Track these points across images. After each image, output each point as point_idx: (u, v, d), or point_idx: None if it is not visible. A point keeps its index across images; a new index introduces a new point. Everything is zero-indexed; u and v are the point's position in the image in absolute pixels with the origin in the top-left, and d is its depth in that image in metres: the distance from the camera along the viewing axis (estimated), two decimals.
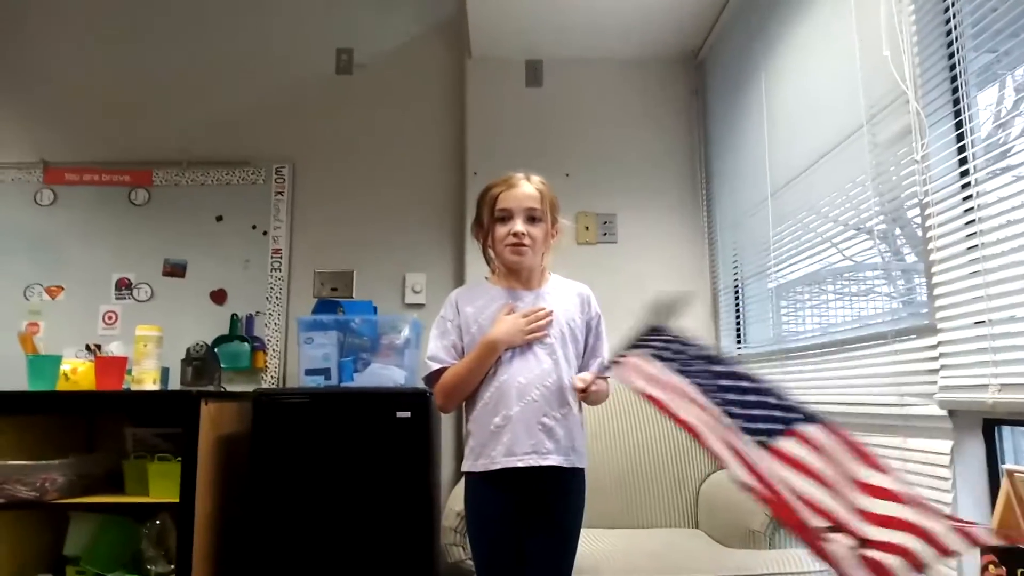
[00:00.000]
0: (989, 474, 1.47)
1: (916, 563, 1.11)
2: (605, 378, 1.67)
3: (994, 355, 1.37)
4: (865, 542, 1.12)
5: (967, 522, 1.05)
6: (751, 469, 1.19)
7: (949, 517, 1.05)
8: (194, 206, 3.08)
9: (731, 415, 1.24)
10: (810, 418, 1.17)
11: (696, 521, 2.46)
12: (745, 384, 1.27)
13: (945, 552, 1.07)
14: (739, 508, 2.13)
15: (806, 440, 1.16)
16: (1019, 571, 1.14)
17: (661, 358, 1.41)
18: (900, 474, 1.12)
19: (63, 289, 3.05)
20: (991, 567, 1.18)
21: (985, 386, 1.37)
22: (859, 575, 1.13)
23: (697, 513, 2.47)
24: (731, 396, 1.27)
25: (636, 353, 1.46)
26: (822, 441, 1.15)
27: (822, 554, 1.15)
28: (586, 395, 1.59)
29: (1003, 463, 1.42)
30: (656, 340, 1.45)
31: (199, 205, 3.08)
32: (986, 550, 1.19)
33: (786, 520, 1.17)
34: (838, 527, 1.13)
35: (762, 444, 1.19)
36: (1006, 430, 1.48)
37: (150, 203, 3.10)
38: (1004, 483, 1.20)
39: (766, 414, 1.21)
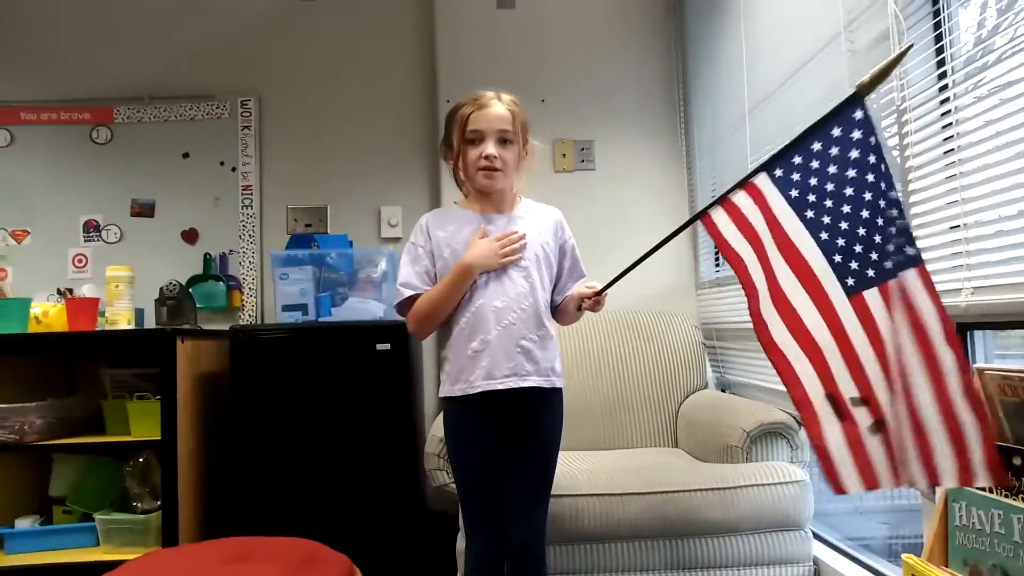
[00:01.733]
0: None
1: (897, 475, 1.14)
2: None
3: (968, 259, 1.37)
4: (881, 425, 1.15)
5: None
6: (797, 329, 1.21)
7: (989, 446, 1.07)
8: (159, 143, 2.99)
9: (841, 247, 1.21)
10: (914, 260, 1.15)
11: (676, 440, 2.51)
12: (882, 204, 1.20)
13: (934, 481, 1.12)
14: (717, 426, 2.17)
15: (892, 299, 1.17)
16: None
17: (804, 171, 1.27)
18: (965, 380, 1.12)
19: (28, 233, 2.97)
20: None
21: (959, 290, 1.38)
22: (844, 467, 1.16)
23: (676, 432, 2.51)
24: (853, 227, 1.21)
25: (766, 179, 1.30)
26: (902, 297, 1.15)
27: (816, 436, 1.18)
28: (597, 300, 1.59)
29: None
30: (835, 142, 1.27)
31: (164, 142, 2.99)
32: None
33: (795, 394, 1.21)
34: (868, 400, 1.16)
35: (849, 290, 1.19)
36: (978, 335, 1.50)
37: (113, 141, 3.00)
38: (975, 382, 1.21)
39: (877, 256, 1.19)
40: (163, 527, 2.14)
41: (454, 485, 1.74)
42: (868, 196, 1.20)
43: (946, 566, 1.22)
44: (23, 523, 2.28)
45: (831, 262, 1.22)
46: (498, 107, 1.66)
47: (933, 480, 1.12)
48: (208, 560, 1.58)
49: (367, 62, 3.08)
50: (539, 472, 1.67)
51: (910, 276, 1.15)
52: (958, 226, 1.40)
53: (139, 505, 2.23)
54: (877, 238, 1.19)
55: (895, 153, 1.60)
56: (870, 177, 1.20)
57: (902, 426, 1.14)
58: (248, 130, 3.00)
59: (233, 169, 2.99)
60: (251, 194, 2.99)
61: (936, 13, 1.50)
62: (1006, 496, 1.13)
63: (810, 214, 1.24)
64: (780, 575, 1.87)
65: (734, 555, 1.87)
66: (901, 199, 1.22)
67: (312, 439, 2.30)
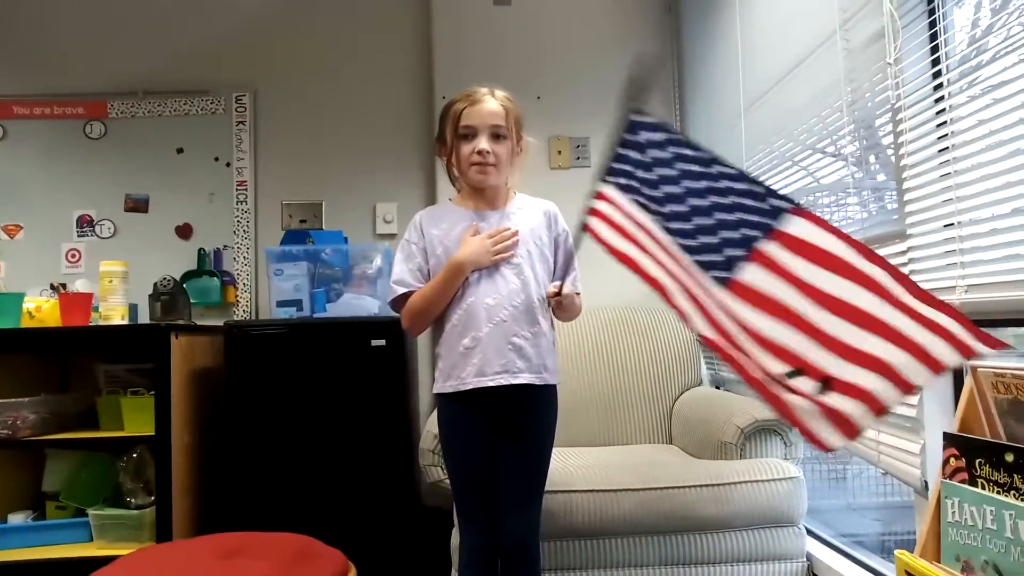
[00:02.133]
0: (954, 376, 1.50)
1: (877, 408, 1.08)
2: (577, 293, 1.67)
3: (962, 256, 1.37)
4: (828, 382, 1.11)
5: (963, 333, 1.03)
6: (713, 322, 1.18)
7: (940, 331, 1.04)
8: (153, 138, 2.98)
9: (697, 247, 1.21)
10: (793, 210, 1.13)
11: (670, 437, 2.51)
12: (723, 185, 1.21)
13: (908, 389, 1.07)
14: (711, 423, 2.17)
15: (771, 261, 1.15)
16: (977, 462, 1.17)
17: (634, 178, 1.33)
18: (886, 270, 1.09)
19: (21, 228, 2.95)
20: (952, 460, 1.21)
21: (953, 288, 1.38)
22: (819, 425, 1.12)
23: (671, 429, 2.52)
24: (701, 219, 1.22)
25: (609, 187, 1.37)
26: (799, 244, 1.13)
27: (782, 409, 1.14)
28: (559, 300, 1.58)
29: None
30: (633, 145, 1.36)
31: (158, 137, 2.98)
32: (948, 443, 1.22)
33: (744, 377, 1.18)
34: (802, 369, 1.13)
35: (721, 281, 1.18)
36: None
37: (107, 136, 2.99)
38: (968, 379, 1.22)
39: (738, 232, 1.18)
40: (157, 523, 2.14)
41: (448, 481, 1.74)
42: (700, 184, 1.22)
43: (939, 562, 1.22)
44: (16, 518, 2.27)
45: (698, 262, 1.22)
46: (491, 103, 1.66)
47: (935, 368, 1.06)
48: (202, 555, 1.58)
49: (363, 58, 3.07)
50: (532, 468, 1.67)
51: (789, 222, 1.13)
52: (952, 224, 1.40)
53: (133, 501, 2.23)
54: (723, 215, 1.19)
55: (889, 152, 1.61)
56: (692, 167, 1.24)
57: (861, 355, 1.09)
58: (243, 125, 2.99)
59: (228, 164, 2.98)
60: (246, 189, 2.98)
61: (931, 12, 1.50)
62: (999, 493, 1.14)
63: (661, 215, 1.27)
64: (774, 571, 1.88)
65: (728, 551, 1.87)
66: (734, 168, 1.22)
67: (307, 435, 2.30)
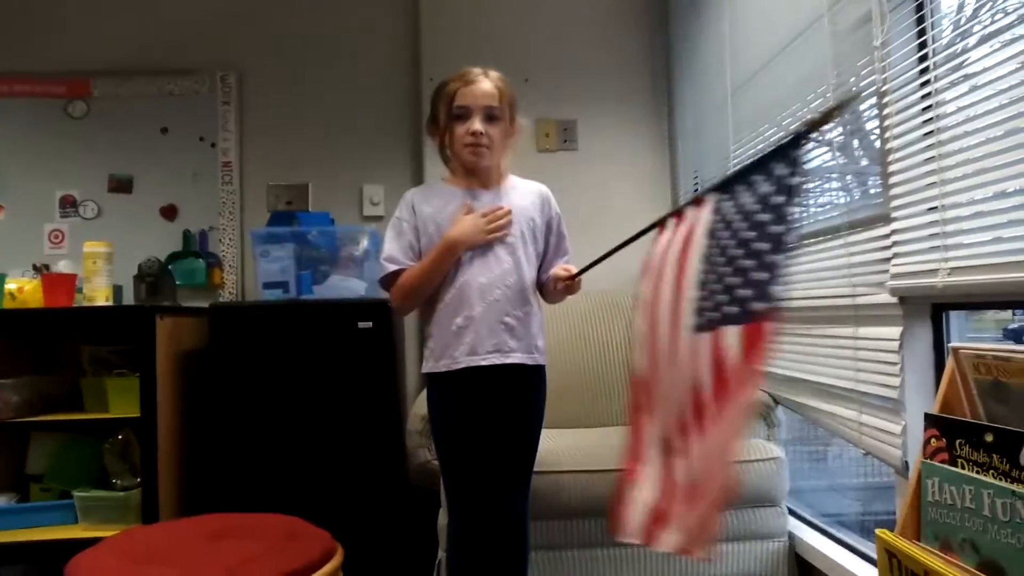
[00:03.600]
0: (936, 358, 1.52)
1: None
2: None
3: (944, 240, 1.39)
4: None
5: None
6: (653, 363, 1.20)
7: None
8: (136, 118, 2.93)
9: (709, 294, 1.16)
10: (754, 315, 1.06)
11: None
12: (762, 247, 1.09)
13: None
14: None
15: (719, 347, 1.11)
16: (957, 442, 1.18)
17: (740, 206, 1.17)
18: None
19: (3, 208, 2.91)
20: (933, 440, 1.23)
21: (935, 271, 1.40)
22: (631, 513, 1.16)
23: None
24: (727, 271, 1.14)
25: (711, 201, 1.23)
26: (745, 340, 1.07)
27: (627, 476, 1.19)
28: (569, 285, 1.59)
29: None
30: (770, 179, 1.14)
31: (142, 117, 2.93)
32: (929, 424, 1.24)
33: (633, 425, 1.23)
34: (668, 440, 1.14)
35: (702, 327, 1.15)
36: (953, 316, 1.53)
37: (89, 116, 2.94)
38: (949, 361, 1.23)
39: (727, 299, 1.13)
40: (143, 504, 2.13)
41: (436, 462, 1.75)
42: (761, 246, 1.09)
43: (918, 540, 1.24)
44: (0, 500, 2.26)
45: (698, 300, 1.17)
46: (485, 83, 1.66)
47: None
48: (189, 536, 1.58)
49: (349, 38, 3.04)
50: (522, 448, 1.68)
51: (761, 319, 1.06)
52: (935, 207, 1.42)
53: (118, 482, 2.22)
54: (736, 279, 1.12)
55: (874, 136, 1.61)
56: (775, 228, 1.08)
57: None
58: (228, 105, 2.96)
59: (213, 145, 2.95)
60: (231, 170, 2.95)
61: None
62: (978, 473, 1.16)
63: (710, 246, 1.19)
64: (756, 550, 1.91)
65: None
66: (789, 248, 1.08)
67: (294, 417, 2.30)
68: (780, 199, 1.08)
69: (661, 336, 1.20)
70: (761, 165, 1.13)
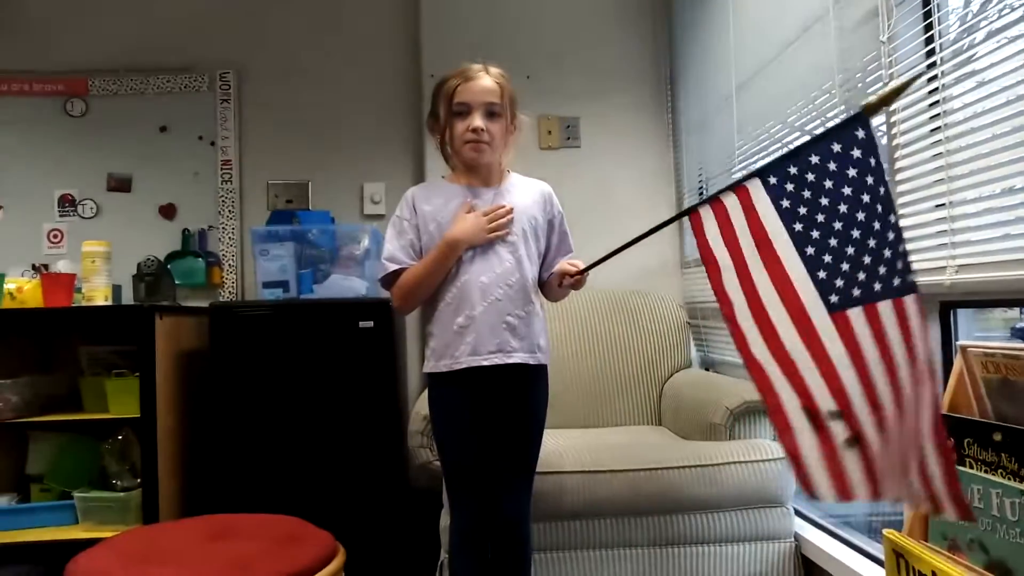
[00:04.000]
0: (944, 357, 1.50)
1: (875, 491, 1.12)
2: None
3: (952, 237, 1.37)
4: (857, 440, 1.13)
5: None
6: (775, 342, 1.18)
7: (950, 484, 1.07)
8: (135, 116, 2.92)
9: (822, 268, 1.17)
10: (912, 287, 1.12)
11: (660, 419, 2.52)
12: (876, 226, 1.16)
13: (912, 500, 1.12)
14: (700, 404, 2.18)
15: (882, 319, 1.13)
16: (966, 441, 1.17)
17: (804, 187, 1.21)
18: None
19: (1, 208, 2.90)
20: None
21: (943, 268, 1.38)
22: (817, 474, 1.14)
23: (660, 411, 2.52)
24: (841, 245, 1.17)
25: (759, 186, 1.24)
26: (896, 320, 1.12)
27: (792, 449, 1.16)
28: (577, 280, 1.57)
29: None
30: (830, 156, 1.20)
31: (140, 115, 2.92)
32: None
33: (767, 400, 1.18)
34: (843, 413, 1.13)
35: (832, 308, 1.16)
36: (961, 314, 1.51)
37: (88, 114, 2.93)
38: (957, 359, 1.22)
39: (865, 276, 1.15)
40: (143, 505, 2.12)
41: (438, 462, 1.74)
42: (861, 216, 1.16)
43: (926, 541, 1.23)
44: (0, 501, 2.25)
45: (814, 278, 1.18)
46: (486, 80, 1.64)
47: (911, 499, 1.12)
48: (190, 537, 1.57)
49: (349, 35, 3.02)
50: (524, 449, 1.67)
51: (908, 302, 1.12)
52: (943, 204, 1.40)
53: (118, 483, 2.21)
54: (867, 259, 1.15)
55: (881, 131, 1.60)
56: (865, 198, 1.16)
57: (888, 441, 1.13)
58: (227, 103, 2.94)
59: (212, 143, 2.94)
60: (231, 169, 2.93)
61: None
62: (986, 472, 1.14)
63: (798, 227, 1.20)
64: (762, 551, 1.89)
65: (717, 531, 1.88)
66: (898, 225, 1.16)
67: (294, 417, 2.29)
68: (860, 176, 1.15)
69: (779, 321, 1.19)
70: (813, 145, 1.19)
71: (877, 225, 1.14)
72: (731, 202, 1.25)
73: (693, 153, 2.81)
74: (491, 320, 1.59)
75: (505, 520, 1.62)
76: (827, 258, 1.17)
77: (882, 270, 1.14)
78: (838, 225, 1.17)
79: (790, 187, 1.21)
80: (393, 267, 1.65)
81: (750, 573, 1.89)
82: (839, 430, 1.14)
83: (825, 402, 1.15)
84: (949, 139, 1.38)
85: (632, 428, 2.47)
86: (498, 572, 1.63)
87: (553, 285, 1.69)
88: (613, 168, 2.96)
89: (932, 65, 1.44)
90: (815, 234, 1.18)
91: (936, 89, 1.42)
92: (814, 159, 1.19)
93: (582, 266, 1.59)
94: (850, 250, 1.16)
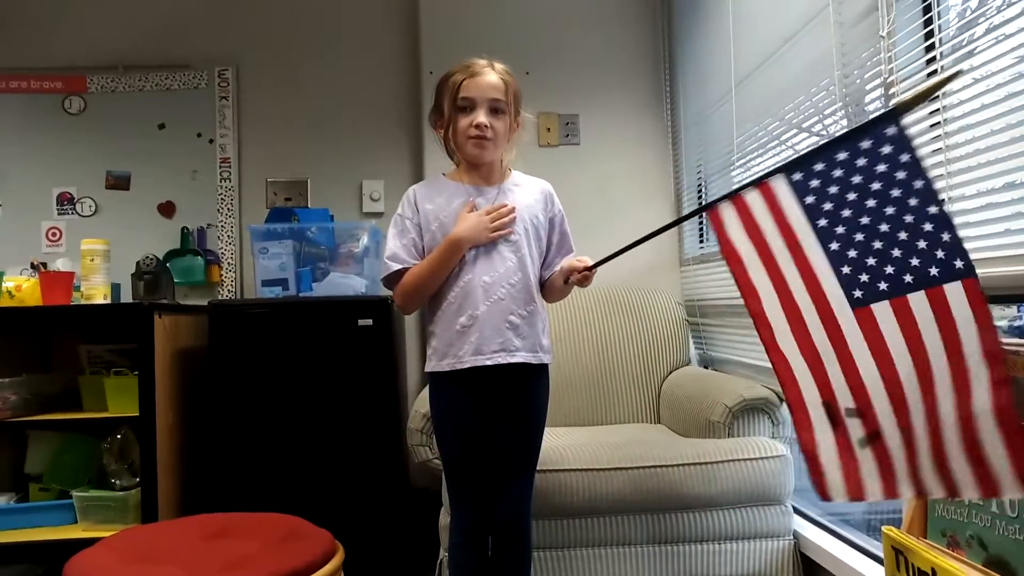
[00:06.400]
0: None
1: (890, 489, 1.12)
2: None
3: None
4: (873, 439, 1.12)
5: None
6: (803, 336, 1.18)
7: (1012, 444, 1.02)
8: (134, 114, 2.92)
9: (847, 263, 1.17)
10: (960, 273, 1.09)
11: (659, 416, 2.52)
12: (908, 220, 1.14)
13: (919, 491, 1.11)
14: (699, 402, 2.17)
15: (908, 312, 1.12)
16: None
17: (829, 183, 1.22)
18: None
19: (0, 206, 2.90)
20: None
21: None
22: (833, 474, 1.14)
23: (659, 409, 2.52)
24: (869, 240, 1.16)
25: (784, 183, 1.25)
26: (932, 309, 1.10)
27: (808, 446, 1.15)
28: (585, 276, 1.56)
29: None
30: (859, 153, 1.21)
31: (139, 113, 2.92)
32: None
33: (788, 395, 1.18)
34: (862, 411, 1.13)
35: (856, 303, 1.15)
36: None
37: (86, 111, 2.92)
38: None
39: (893, 270, 1.14)
40: (142, 504, 2.12)
41: (438, 461, 1.73)
42: (891, 210, 1.15)
43: (925, 537, 1.23)
44: None
45: (838, 273, 1.18)
46: (491, 76, 1.63)
47: (951, 492, 1.09)
48: (189, 536, 1.57)
49: (348, 31, 3.01)
50: (525, 447, 1.66)
51: (950, 289, 1.09)
52: (943, 200, 1.39)
53: (117, 482, 2.21)
54: (896, 251, 1.14)
55: None
56: (896, 192, 1.15)
57: (914, 438, 1.11)
58: (226, 101, 2.93)
59: (211, 141, 2.93)
60: (229, 167, 2.93)
61: None
62: None
63: (823, 222, 1.20)
64: (761, 549, 1.89)
65: (716, 529, 1.88)
66: (941, 214, 1.13)
67: (293, 415, 2.28)
68: (890, 171, 1.15)
69: (807, 312, 1.19)
70: (841, 142, 1.20)
71: (910, 218, 1.13)
72: (753, 198, 1.26)
73: (692, 148, 2.81)
74: (494, 319, 1.58)
75: (505, 518, 1.62)
76: (852, 253, 1.17)
77: (915, 261, 1.12)
78: (865, 220, 1.17)
79: (815, 183, 1.21)
80: (395, 267, 1.64)
81: (749, 571, 1.89)
82: (856, 428, 1.13)
83: (844, 399, 1.15)
84: (949, 134, 1.38)
85: (631, 426, 2.47)
86: (498, 570, 1.63)
87: (553, 285, 1.68)
88: (612, 164, 2.96)
89: (932, 60, 1.44)
90: (840, 229, 1.18)
91: None
92: (841, 155, 1.20)
93: (590, 262, 1.58)
94: (877, 244, 1.15)
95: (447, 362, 1.61)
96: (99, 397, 2.25)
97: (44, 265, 2.75)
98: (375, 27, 3.02)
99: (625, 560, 1.88)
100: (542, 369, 1.67)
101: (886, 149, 1.16)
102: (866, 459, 1.13)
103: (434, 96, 1.71)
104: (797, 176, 1.22)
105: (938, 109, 1.41)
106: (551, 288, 1.70)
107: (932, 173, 1.42)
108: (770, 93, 2.09)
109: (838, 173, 1.20)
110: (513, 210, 1.63)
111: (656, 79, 3.00)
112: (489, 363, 1.57)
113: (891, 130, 1.16)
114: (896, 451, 1.12)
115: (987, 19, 1.31)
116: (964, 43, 1.37)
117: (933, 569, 1.10)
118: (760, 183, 1.25)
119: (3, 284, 2.27)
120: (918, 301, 1.11)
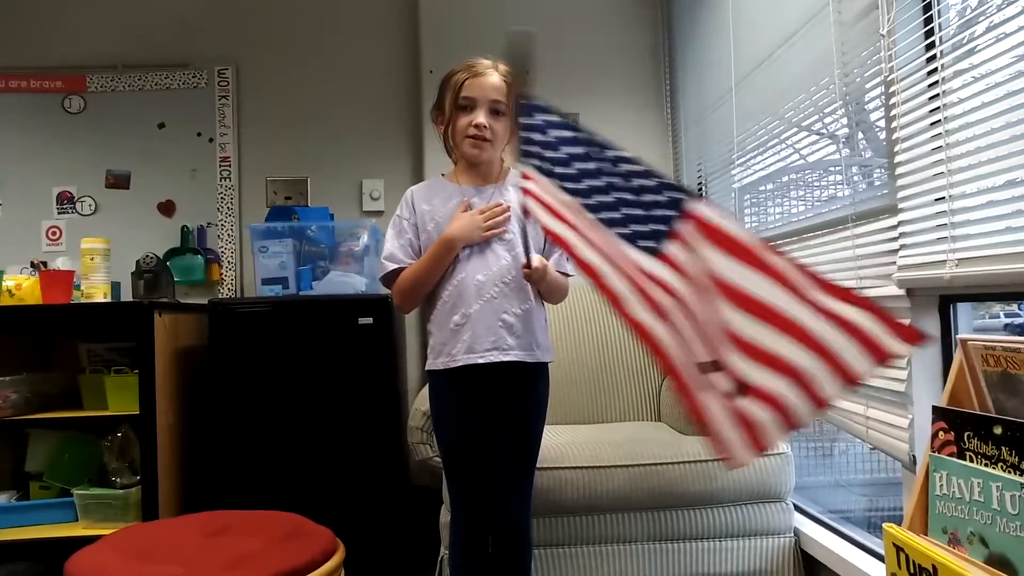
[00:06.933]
0: (943, 350, 1.50)
1: (789, 422, 1.06)
2: (568, 275, 1.66)
3: (952, 231, 1.37)
4: (743, 388, 1.07)
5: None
6: (648, 300, 1.18)
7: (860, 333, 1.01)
8: (134, 113, 2.92)
9: (621, 219, 1.23)
10: (693, 196, 1.17)
11: (659, 414, 2.52)
12: (630, 169, 1.27)
13: (819, 403, 1.05)
14: None
15: (687, 243, 1.15)
16: (966, 435, 1.17)
17: (545, 159, 1.37)
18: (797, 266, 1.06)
19: (0, 205, 2.89)
20: (940, 433, 1.21)
21: (943, 262, 1.38)
22: (732, 436, 1.07)
23: (659, 406, 2.52)
24: (621, 194, 1.26)
25: (529, 167, 1.39)
26: (709, 228, 1.13)
27: (699, 417, 1.10)
28: (530, 274, 1.55)
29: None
30: (533, 127, 1.41)
31: (139, 112, 2.92)
32: (937, 417, 1.22)
33: (670, 374, 1.16)
34: (718, 364, 1.08)
35: (651, 251, 1.18)
36: (960, 308, 1.51)
37: (86, 111, 2.92)
38: (957, 352, 1.22)
39: (651, 212, 1.20)
40: (143, 502, 2.12)
41: (438, 459, 1.73)
42: (592, 165, 1.30)
43: (926, 535, 1.23)
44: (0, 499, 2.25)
45: (624, 236, 1.23)
46: (494, 77, 1.63)
47: (849, 380, 1.04)
48: (189, 534, 1.57)
49: (348, 32, 3.01)
50: (523, 445, 1.66)
51: (700, 209, 1.15)
52: (943, 198, 1.40)
53: (118, 480, 2.21)
54: (630, 195, 1.24)
55: (880, 124, 1.59)
56: (578, 150, 1.32)
57: (774, 359, 1.06)
58: (225, 100, 2.93)
59: (211, 140, 2.93)
60: (229, 166, 2.93)
61: None
62: (986, 465, 1.14)
63: (592, 199, 1.29)
64: (761, 546, 1.89)
65: (716, 526, 1.88)
66: (628, 156, 1.30)
67: (294, 414, 2.28)
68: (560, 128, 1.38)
69: (636, 276, 1.21)
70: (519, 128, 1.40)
71: (616, 167, 1.28)
72: (531, 185, 1.37)
73: (692, 147, 2.81)
74: (487, 318, 1.59)
75: (504, 518, 1.62)
76: (616, 214, 1.25)
77: (658, 197, 1.21)
78: (600, 182, 1.30)
79: (544, 164, 1.37)
80: (392, 266, 1.65)
81: (750, 568, 1.89)
82: (723, 383, 1.08)
83: (701, 353, 1.11)
84: (949, 132, 1.38)
85: (631, 424, 2.47)
86: (498, 568, 1.63)
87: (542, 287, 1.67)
88: None
89: (932, 58, 1.44)
90: (595, 199, 1.29)
91: (936, 82, 1.41)
92: (536, 136, 1.38)
93: (548, 263, 1.59)
94: (623, 195, 1.26)
95: (442, 360, 1.61)
96: (99, 395, 2.25)
97: (44, 264, 2.76)
98: (375, 27, 3.02)
99: (625, 557, 1.88)
100: (540, 368, 1.67)
101: (551, 117, 1.40)
102: (748, 407, 1.07)
103: (437, 92, 1.71)
104: (529, 161, 1.39)
105: (938, 108, 1.41)
106: (544, 289, 1.68)
107: (931, 171, 1.43)
108: (770, 92, 2.09)
109: (549, 153, 1.37)
110: (507, 209, 1.63)
111: (656, 78, 3.00)
112: (482, 361, 1.57)
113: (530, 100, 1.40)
114: (770, 385, 1.06)
115: (987, 17, 1.32)
116: (964, 41, 1.37)
117: (934, 566, 1.10)
118: (522, 173, 1.39)
119: (3, 283, 2.27)
120: (687, 228, 1.16)
